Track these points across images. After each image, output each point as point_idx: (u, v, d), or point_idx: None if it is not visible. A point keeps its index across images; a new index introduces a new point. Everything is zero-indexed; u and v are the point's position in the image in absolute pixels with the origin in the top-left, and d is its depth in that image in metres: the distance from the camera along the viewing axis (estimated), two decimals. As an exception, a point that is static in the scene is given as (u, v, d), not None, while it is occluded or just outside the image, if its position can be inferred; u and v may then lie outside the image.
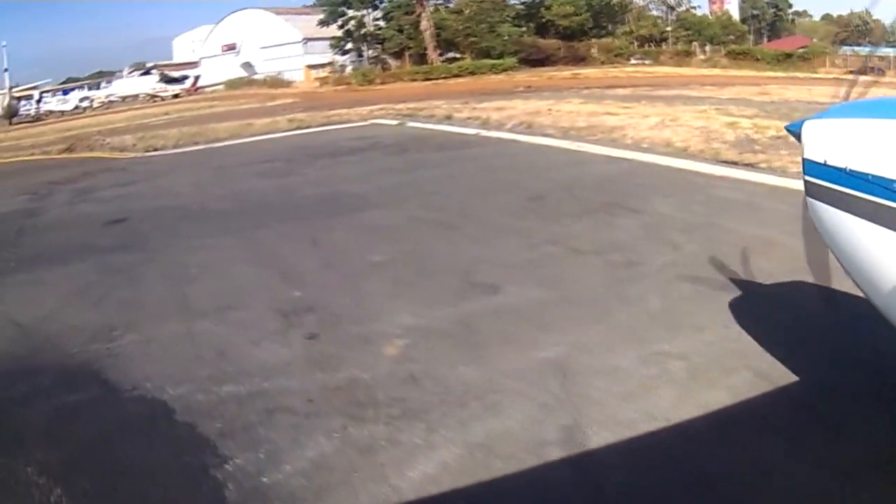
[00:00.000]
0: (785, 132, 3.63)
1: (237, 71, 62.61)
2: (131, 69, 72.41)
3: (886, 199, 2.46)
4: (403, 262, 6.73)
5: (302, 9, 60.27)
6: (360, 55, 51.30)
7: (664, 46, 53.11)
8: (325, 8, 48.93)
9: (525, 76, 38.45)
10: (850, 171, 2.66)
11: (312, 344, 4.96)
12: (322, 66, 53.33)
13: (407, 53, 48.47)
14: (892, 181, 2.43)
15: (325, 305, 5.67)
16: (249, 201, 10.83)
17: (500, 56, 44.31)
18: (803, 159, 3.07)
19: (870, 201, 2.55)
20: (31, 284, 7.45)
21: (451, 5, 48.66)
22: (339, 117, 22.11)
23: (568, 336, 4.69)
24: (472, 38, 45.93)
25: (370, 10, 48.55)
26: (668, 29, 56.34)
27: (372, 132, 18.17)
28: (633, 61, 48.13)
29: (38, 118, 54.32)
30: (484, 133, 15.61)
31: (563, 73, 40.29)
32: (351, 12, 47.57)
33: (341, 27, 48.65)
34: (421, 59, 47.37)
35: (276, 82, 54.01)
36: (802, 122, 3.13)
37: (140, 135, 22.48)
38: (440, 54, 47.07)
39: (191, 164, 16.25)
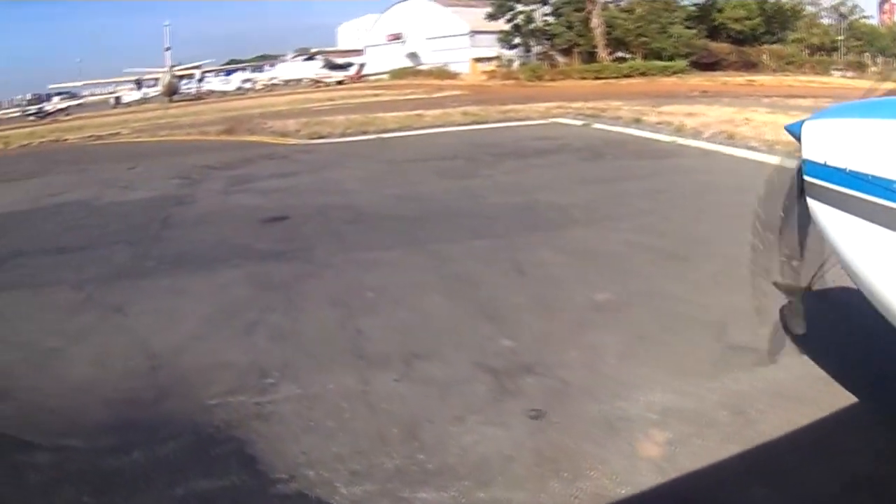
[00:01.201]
0: None
1: (402, 60, 67.58)
2: (295, 54, 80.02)
3: (886, 199, 2.69)
4: (637, 306, 5.83)
5: (469, 1, 64.13)
6: (528, 50, 54.69)
7: (834, 56, 52.83)
8: (493, 1, 53.03)
9: (698, 80, 39.65)
10: (850, 171, 2.92)
11: (538, 428, 4.08)
12: (488, 59, 57.68)
13: (576, 51, 51.24)
14: (892, 181, 2.66)
15: (547, 364, 4.85)
16: (431, 206, 10.12)
17: (670, 58, 47.09)
18: (802, 160, 3.37)
19: (870, 201, 2.79)
20: (171, 295, 7.05)
21: (622, 4, 51.69)
22: (516, 114, 22.13)
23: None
24: (643, 38, 48.61)
25: (539, 6, 51.97)
26: (840, 38, 54.57)
27: (556, 132, 17.79)
28: (834, 72, 46.46)
29: (198, 97, 60.70)
30: (681, 141, 15.05)
31: (736, 79, 40.22)
32: (520, 7, 51.41)
33: (509, 21, 52.53)
34: (590, 57, 50.29)
35: (442, 73, 58.51)
36: (802, 122, 3.43)
37: (304, 120, 23.21)
38: (609, 53, 49.81)
39: (359, 156, 16.22)
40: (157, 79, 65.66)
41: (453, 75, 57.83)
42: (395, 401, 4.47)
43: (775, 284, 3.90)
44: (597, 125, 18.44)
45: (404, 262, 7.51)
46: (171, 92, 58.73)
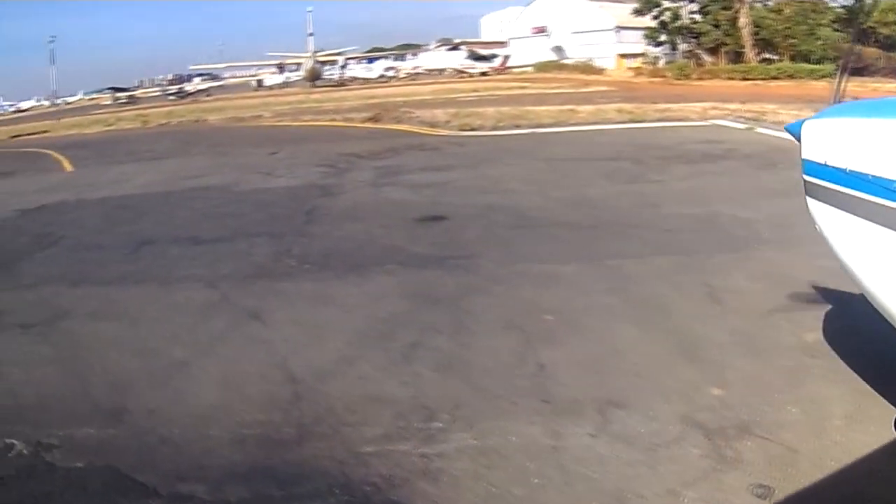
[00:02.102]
0: None
1: (546, 53, 69.41)
2: (438, 44, 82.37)
3: (886, 198, 2.84)
4: (857, 351, 4.86)
5: (616, -5, 65.75)
6: (674, 48, 56.01)
7: None
8: (640, -3, 55.29)
9: (848, 85, 36.64)
10: (850, 170, 3.09)
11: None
12: (633, 56, 59.01)
13: (722, 50, 52.22)
14: (892, 181, 2.81)
15: (766, 423, 4.13)
16: (603, 214, 9.23)
17: (818, 61, 46.49)
18: (802, 159, 3.57)
19: (870, 201, 2.94)
20: (316, 302, 6.46)
21: (770, 4, 52.48)
22: (672, 113, 21.22)
23: None
24: (791, 40, 49.16)
25: (686, 3, 53.17)
26: None
27: (719, 135, 16.68)
28: None
29: (341, 83, 62.79)
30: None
31: (886, 85, 37.20)
32: (667, 3, 52.84)
33: (655, 18, 53.83)
34: (736, 56, 51.16)
35: (587, 68, 59.67)
36: (802, 122, 3.64)
37: (452, 111, 22.94)
38: (757, 54, 50.68)
39: (515, 152, 15.48)
40: (299, 63, 68.98)
41: (598, 70, 58.61)
42: (594, 464, 3.80)
43: None
44: (760, 130, 17.33)
45: (582, 279, 6.67)
46: (314, 77, 61.50)
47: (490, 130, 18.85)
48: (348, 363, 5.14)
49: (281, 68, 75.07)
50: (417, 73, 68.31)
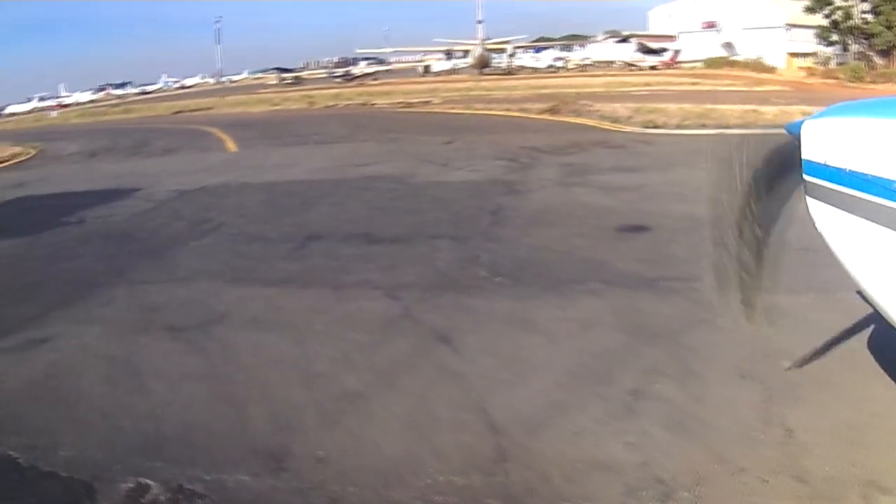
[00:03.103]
0: None
1: (715, 49, 67.13)
2: (606, 36, 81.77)
3: (887, 198, 2.85)
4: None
5: (787, -9, 63.63)
6: (845, 49, 53.96)
7: None
8: (812, -6, 53.23)
9: None
10: (850, 170, 3.09)
11: None
12: (804, 55, 57.19)
13: (895, 53, 49.93)
14: (893, 181, 2.81)
15: None
16: None
17: None
18: (802, 160, 3.54)
19: (870, 201, 2.95)
20: (513, 326, 5.48)
21: None
22: None
23: None
24: None
25: (858, 2, 50.91)
26: None
27: None
28: None
29: (509, 72, 62.44)
30: None
31: None
32: (839, 2, 50.78)
33: (827, 16, 51.99)
34: None
35: (758, 66, 57.29)
36: (802, 121, 3.62)
37: (632, 105, 21.76)
38: None
39: (708, 154, 13.80)
40: (466, 50, 69.30)
41: (770, 69, 56.36)
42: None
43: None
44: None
45: (824, 316, 5.17)
46: (483, 65, 61.83)
47: (675, 129, 17.39)
48: (560, 411, 4.16)
49: (448, 55, 75.29)
50: (586, 65, 66.82)
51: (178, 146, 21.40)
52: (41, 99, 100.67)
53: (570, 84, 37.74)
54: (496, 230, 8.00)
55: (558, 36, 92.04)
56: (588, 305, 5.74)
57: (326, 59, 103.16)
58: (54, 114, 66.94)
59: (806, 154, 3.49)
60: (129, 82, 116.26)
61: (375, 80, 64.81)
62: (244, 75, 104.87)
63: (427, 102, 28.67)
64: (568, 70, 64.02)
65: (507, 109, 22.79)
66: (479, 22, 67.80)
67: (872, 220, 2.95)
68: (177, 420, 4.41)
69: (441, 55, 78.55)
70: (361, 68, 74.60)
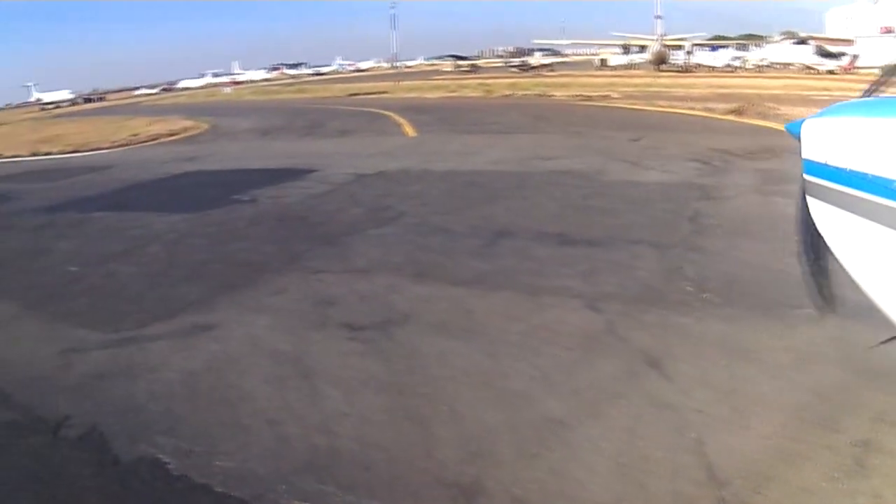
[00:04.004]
0: None
1: (893, 55, 62.32)
2: (783, 36, 78.02)
3: (888, 198, 2.77)
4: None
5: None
6: None
7: None
8: None
9: None
10: (851, 170, 3.02)
11: None
12: None
13: None
14: (893, 181, 2.74)
15: None
16: None
17: None
18: (803, 159, 3.50)
19: (871, 201, 2.88)
20: (726, 354, 4.68)
21: None
22: None
23: None
24: None
25: None
26: None
27: None
28: None
29: (686, 69, 60.27)
30: None
31: None
32: None
33: None
34: None
35: None
36: (802, 121, 3.58)
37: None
38: None
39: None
40: (643, 46, 67.63)
41: None
42: None
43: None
44: None
45: None
46: (660, 61, 60.27)
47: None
48: (784, 460, 3.48)
49: (625, 49, 73.47)
50: (762, 66, 63.90)
51: (354, 128, 21.44)
52: (214, 75, 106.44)
53: (747, 85, 35.63)
54: (697, 239, 7.17)
55: (734, 35, 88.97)
56: (809, 335, 4.89)
57: (501, 48, 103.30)
58: (228, 90, 70.14)
59: (806, 154, 3.47)
60: (304, 63, 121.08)
61: (552, 71, 64.06)
62: (419, 61, 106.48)
63: (606, 96, 27.58)
64: (745, 70, 61.25)
65: (691, 108, 21.46)
66: (658, 17, 65.71)
67: (873, 220, 2.88)
68: (353, 435, 3.99)
69: (618, 49, 76.86)
70: (537, 59, 73.99)
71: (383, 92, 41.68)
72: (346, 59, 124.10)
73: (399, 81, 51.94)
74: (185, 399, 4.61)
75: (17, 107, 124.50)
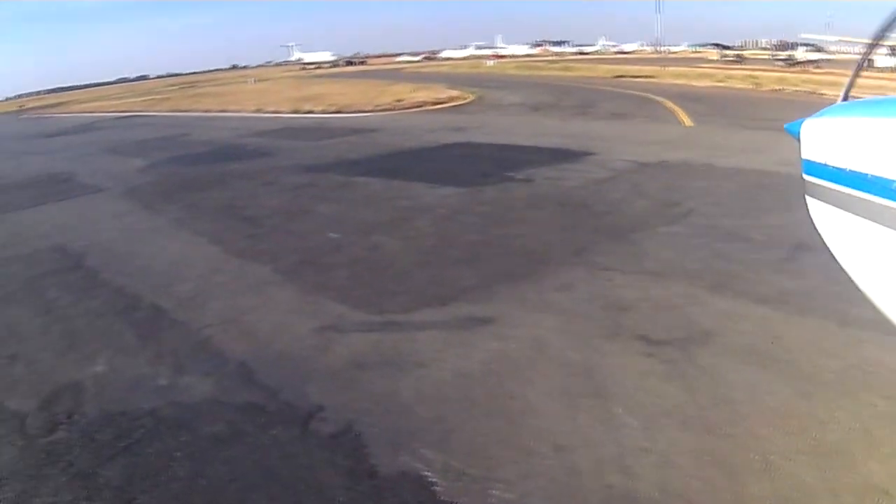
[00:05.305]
0: None
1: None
2: None
3: (887, 198, 2.73)
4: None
5: None
6: None
7: None
8: None
9: None
10: (850, 170, 3.00)
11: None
12: None
13: None
14: (893, 181, 2.71)
15: None
16: None
17: None
18: (802, 159, 3.48)
19: (871, 201, 2.84)
20: None
21: None
22: None
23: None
24: None
25: None
26: None
27: None
28: None
29: None
30: None
31: None
32: None
33: None
34: None
35: None
36: (801, 121, 3.55)
37: None
38: None
39: None
40: None
41: None
42: None
43: None
44: None
45: None
46: None
47: None
48: None
49: (894, 51, 66.08)
50: None
51: (627, 112, 20.29)
52: (477, 47, 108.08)
53: None
54: None
55: None
56: None
57: (764, 40, 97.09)
58: (490, 63, 70.70)
59: (805, 154, 3.45)
60: (567, 41, 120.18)
61: (818, 67, 59.02)
62: (682, 47, 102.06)
63: None
64: None
65: None
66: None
67: (873, 220, 2.82)
68: (654, 479, 3.29)
69: (886, 50, 69.38)
70: (803, 54, 68.58)
71: (649, 76, 39.91)
72: (610, 41, 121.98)
73: (665, 67, 49.79)
74: (458, 405, 4.09)
75: (277, 65, 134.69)
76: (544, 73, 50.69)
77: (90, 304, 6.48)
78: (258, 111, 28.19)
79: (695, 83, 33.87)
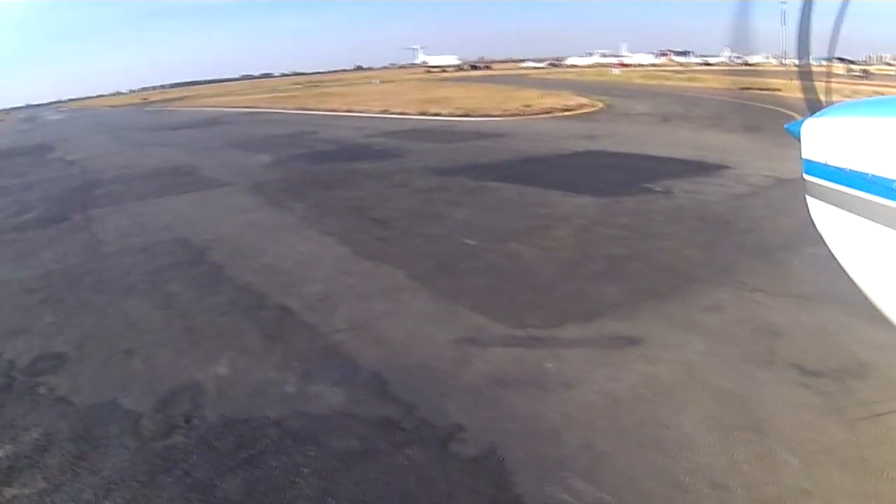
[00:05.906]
0: None
1: None
2: None
3: (887, 198, 2.71)
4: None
5: None
6: None
7: None
8: None
9: None
10: (850, 170, 2.96)
11: None
12: None
13: None
14: (893, 180, 2.68)
15: None
16: None
17: None
18: (802, 159, 3.49)
19: (871, 201, 2.81)
20: None
21: None
22: None
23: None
24: None
25: None
26: None
27: None
28: None
29: None
30: None
31: None
32: None
33: None
34: None
35: None
36: (801, 121, 3.57)
37: None
38: None
39: None
40: None
41: None
42: None
43: None
44: None
45: None
46: None
47: None
48: None
49: None
50: None
51: (759, 124, 19.20)
52: (603, 55, 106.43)
53: None
54: None
55: None
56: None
57: (888, 55, 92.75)
58: (616, 71, 69.45)
59: (806, 154, 3.43)
60: (691, 51, 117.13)
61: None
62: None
63: None
64: None
65: None
66: None
67: (873, 220, 2.79)
68: None
69: None
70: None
71: (776, 89, 38.29)
72: (734, 53, 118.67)
73: (791, 80, 47.72)
74: (607, 432, 3.78)
75: (401, 67, 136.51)
76: (670, 82, 49.50)
77: (213, 301, 6.46)
78: (384, 112, 28.39)
79: (822, 98, 32.23)
